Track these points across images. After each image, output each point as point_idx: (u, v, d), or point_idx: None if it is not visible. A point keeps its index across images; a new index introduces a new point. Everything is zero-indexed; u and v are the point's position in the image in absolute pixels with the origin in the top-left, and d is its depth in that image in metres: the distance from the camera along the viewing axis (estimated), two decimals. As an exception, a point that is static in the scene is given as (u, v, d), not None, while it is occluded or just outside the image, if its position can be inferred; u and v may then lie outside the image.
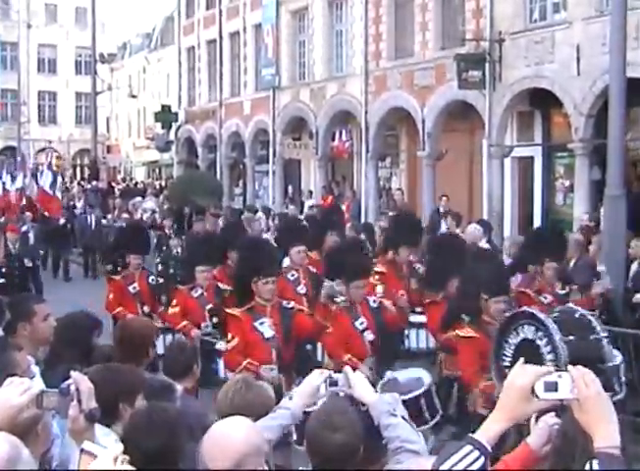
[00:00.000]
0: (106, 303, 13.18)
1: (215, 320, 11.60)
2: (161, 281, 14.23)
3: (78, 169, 67.51)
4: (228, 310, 9.62)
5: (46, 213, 27.43)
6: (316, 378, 4.80)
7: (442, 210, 22.94)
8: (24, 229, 24.93)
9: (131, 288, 13.11)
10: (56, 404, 3.63)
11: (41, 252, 26.58)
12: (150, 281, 13.51)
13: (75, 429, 3.75)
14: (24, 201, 28.47)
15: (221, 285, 12.36)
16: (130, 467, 2.65)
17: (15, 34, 66.21)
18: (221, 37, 42.56)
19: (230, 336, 9.32)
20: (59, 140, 67.71)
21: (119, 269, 15.43)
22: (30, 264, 17.54)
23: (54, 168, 29.86)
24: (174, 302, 12.00)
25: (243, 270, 9.63)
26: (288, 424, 4.70)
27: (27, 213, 26.95)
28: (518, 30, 23.89)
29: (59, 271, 27.69)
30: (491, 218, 23.70)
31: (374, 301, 10.05)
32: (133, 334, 7.04)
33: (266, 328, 9.13)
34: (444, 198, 23.99)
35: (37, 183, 28.10)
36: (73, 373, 3.82)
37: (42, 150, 64.37)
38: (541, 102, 24.53)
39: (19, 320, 6.99)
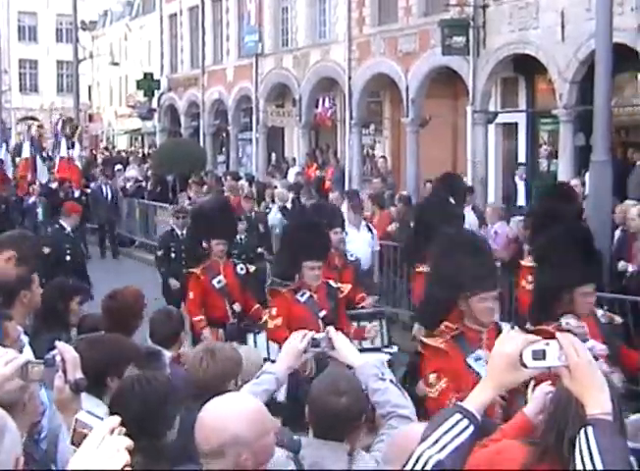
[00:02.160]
0: (187, 305, 10.78)
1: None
2: (252, 269, 11.50)
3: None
4: (426, 340, 6.54)
5: (54, 184, 25.89)
6: (299, 339, 4.73)
7: (518, 179, 21.57)
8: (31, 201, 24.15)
9: (215, 283, 10.49)
10: (41, 375, 3.57)
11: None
12: (239, 270, 10.90)
13: (60, 399, 3.71)
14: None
15: (332, 282, 9.42)
16: (126, 439, 2.59)
17: (-6, 1, 65.74)
18: (203, 4, 42.22)
19: (432, 375, 6.25)
20: (40, 109, 67.22)
21: (173, 255, 14.07)
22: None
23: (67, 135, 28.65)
24: (273, 311, 9.05)
25: (449, 282, 6.48)
26: (273, 389, 4.65)
27: (34, 185, 25.29)
28: (502, -4, 23.80)
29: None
30: (475, 184, 23.71)
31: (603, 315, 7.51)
32: (121, 303, 7.01)
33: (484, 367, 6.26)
34: (521, 167, 22.51)
35: (55, 153, 27.38)
36: (57, 343, 3.76)
37: (24, 119, 64.05)
38: (525, 68, 24.52)
39: (21, 288, 6.92)
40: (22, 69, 70.75)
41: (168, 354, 6.65)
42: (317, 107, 33.59)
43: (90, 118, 66.38)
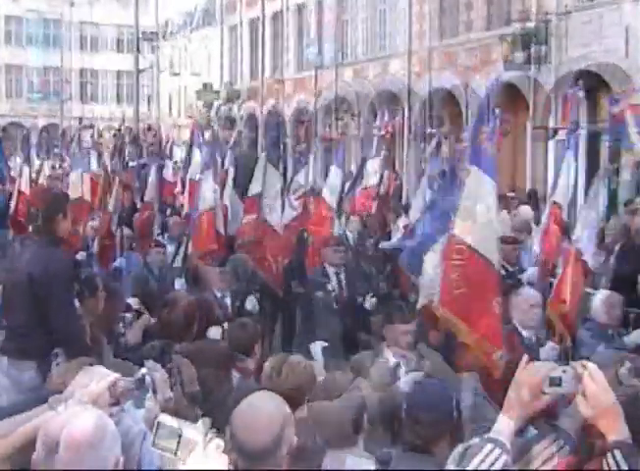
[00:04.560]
0: None
1: None
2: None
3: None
4: None
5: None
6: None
7: None
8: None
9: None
10: (129, 394, 3.62)
11: None
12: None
13: (151, 419, 3.74)
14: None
15: None
16: (220, 441, 2.64)
17: (57, 12, 66.48)
18: (263, 16, 42.51)
19: None
20: (100, 118, 68.00)
21: None
22: None
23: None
24: None
25: None
26: None
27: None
28: (566, 11, 23.63)
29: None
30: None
31: None
32: (174, 313, 7.04)
33: None
34: None
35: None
36: (147, 362, 3.85)
37: (85, 127, 64.76)
38: (587, 84, 24.29)
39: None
40: (82, 78, 71.52)
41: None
42: (376, 120, 33.58)
43: (149, 128, 67.01)
